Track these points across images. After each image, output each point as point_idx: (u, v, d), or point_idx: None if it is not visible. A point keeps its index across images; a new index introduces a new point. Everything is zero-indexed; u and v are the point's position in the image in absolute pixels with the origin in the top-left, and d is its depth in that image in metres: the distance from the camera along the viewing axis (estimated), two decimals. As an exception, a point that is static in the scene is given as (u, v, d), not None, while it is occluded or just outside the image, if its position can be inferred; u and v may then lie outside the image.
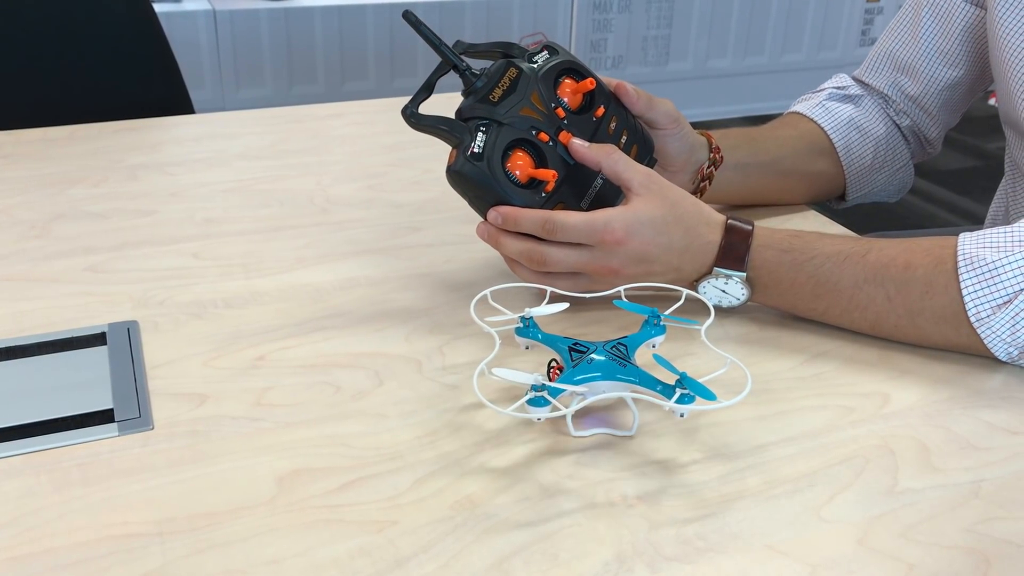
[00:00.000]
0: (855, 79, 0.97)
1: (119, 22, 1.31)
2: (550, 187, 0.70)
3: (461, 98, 0.73)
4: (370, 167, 1.03)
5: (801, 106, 0.95)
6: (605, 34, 3.04)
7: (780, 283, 0.70)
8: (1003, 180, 0.98)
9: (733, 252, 0.69)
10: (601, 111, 0.74)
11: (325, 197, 0.95)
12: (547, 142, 0.71)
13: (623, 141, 0.76)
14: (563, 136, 0.72)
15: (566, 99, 0.73)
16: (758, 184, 0.88)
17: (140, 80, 1.33)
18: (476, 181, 0.69)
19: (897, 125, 0.95)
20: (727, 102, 3.35)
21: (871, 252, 0.68)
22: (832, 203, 0.97)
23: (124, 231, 0.86)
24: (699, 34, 3.19)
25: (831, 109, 0.92)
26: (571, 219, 0.68)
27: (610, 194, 0.74)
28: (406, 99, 0.74)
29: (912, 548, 0.51)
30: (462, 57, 0.73)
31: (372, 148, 1.08)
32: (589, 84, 0.74)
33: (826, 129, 0.91)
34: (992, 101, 3.06)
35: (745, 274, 0.70)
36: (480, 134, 0.69)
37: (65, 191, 0.94)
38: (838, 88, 0.95)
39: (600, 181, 0.73)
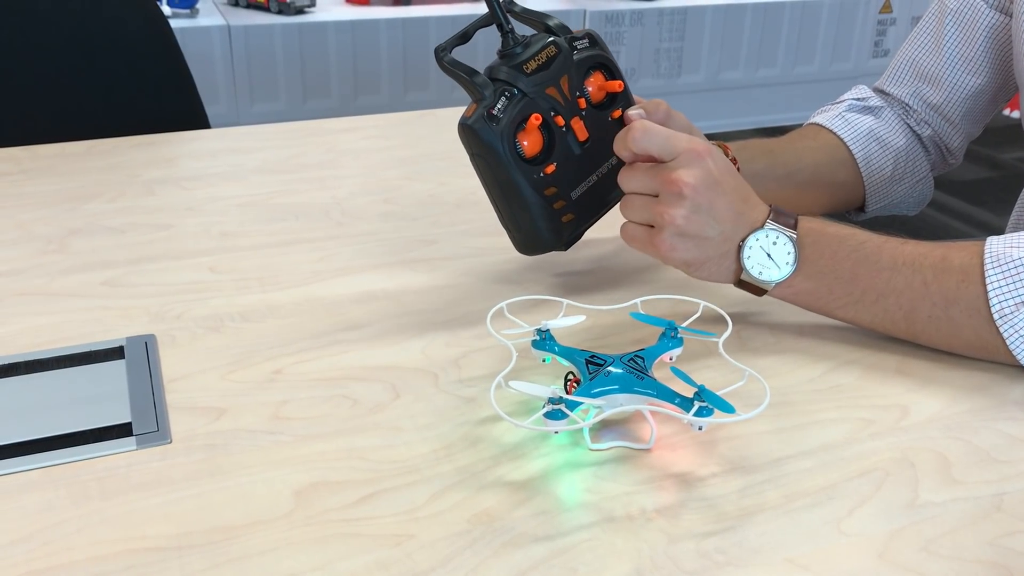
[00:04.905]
0: (875, 90, 0.97)
1: (135, 37, 1.32)
2: (550, 169, 0.72)
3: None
4: (385, 180, 1.03)
5: (820, 117, 0.94)
6: (618, 47, 3.04)
7: (822, 256, 0.68)
8: (1024, 189, 0.98)
9: (783, 217, 0.70)
10: (618, 114, 0.76)
11: (340, 211, 0.95)
12: (561, 127, 0.73)
13: None
14: (575, 123, 0.73)
15: (591, 91, 0.75)
16: (777, 195, 0.88)
17: (156, 95, 1.34)
18: (484, 141, 0.70)
19: (918, 136, 0.94)
20: (740, 114, 3.35)
21: (908, 244, 0.68)
22: (851, 214, 0.97)
23: (141, 245, 0.86)
24: (711, 46, 3.20)
25: (851, 120, 0.92)
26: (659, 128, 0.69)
27: (606, 188, 0.75)
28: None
29: (933, 562, 0.51)
30: (509, 18, 0.74)
31: (387, 162, 1.09)
32: (616, 86, 0.75)
33: (846, 140, 0.91)
34: (1008, 112, 3.05)
35: (796, 234, 0.69)
36: (504, 99, 0.71)
37: (82, 206, 0.95)
38: (858, 99, 0.95)
39: (596, 177, 0.75)
